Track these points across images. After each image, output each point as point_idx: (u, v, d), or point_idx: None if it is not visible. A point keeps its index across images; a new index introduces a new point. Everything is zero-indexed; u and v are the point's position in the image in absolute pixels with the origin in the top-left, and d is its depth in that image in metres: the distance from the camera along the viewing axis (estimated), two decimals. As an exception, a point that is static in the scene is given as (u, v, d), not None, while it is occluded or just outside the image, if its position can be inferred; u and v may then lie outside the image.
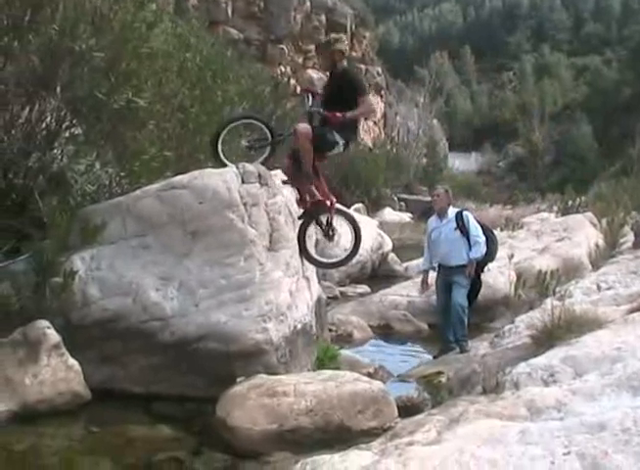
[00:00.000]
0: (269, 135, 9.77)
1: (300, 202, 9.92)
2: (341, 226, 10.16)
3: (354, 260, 17.45)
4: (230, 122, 9.86)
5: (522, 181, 66.30)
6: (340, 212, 10.26)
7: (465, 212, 11.51)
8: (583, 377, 7.32)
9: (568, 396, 6.65)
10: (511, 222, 23.45)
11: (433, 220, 11.79)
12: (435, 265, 11.70)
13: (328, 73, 10.29)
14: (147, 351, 8.07)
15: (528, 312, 10.85)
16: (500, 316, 13.36)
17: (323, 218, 9.97)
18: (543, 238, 18.85)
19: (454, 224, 11.31)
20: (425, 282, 11.84)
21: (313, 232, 10.10)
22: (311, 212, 9.90)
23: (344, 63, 10.04)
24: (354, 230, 10.14)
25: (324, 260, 10.39)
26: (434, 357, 11.22)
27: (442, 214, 11.49)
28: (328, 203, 9.88)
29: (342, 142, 9.70)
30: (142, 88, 9.89)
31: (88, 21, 9.56)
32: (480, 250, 11.24)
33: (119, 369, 8.16)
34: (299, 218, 9.88)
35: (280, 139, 9.92)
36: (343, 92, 9.62)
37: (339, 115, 9.41)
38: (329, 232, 10.05)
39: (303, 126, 9.58)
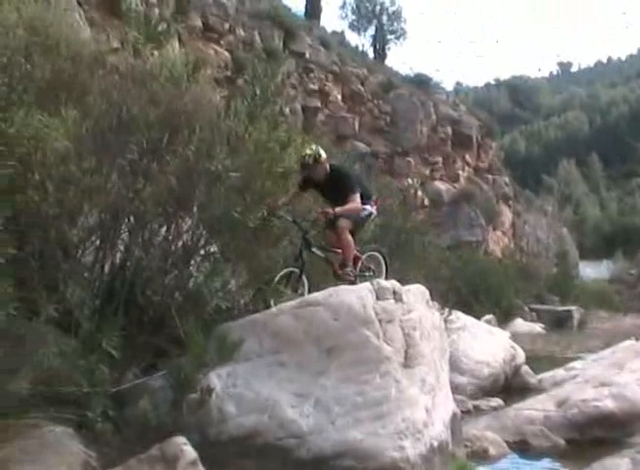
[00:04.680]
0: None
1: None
2: None
3: (487, 373, 17.41)
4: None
5: (656, 289, 64.68)
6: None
7: None
8: None
9: None
10: (647, 333, 22.91)
11: None
12: None
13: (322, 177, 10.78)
14: (283, 468, 8.04)
15: (671, 427, 10.53)
16: (640, 431, 12.97)
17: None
18: (682, 348, 18.33)
19: None
20: None
21: None
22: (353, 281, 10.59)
23: (327, 165, 10.76)
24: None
25: None
26: None
27: None
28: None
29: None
30: (276, 207, 10.11)
31: (224, 142, 9.84)
32: None
33: (255, 487, 8.16)
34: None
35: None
36: (338, 186, 10.59)
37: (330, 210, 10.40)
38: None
39: (345, 221, 10.46)
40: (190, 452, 7.62)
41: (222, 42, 33.78)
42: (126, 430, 8.21)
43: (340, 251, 10.76)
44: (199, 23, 31.89)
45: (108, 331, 8.15)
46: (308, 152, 10.48)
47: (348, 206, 10.46)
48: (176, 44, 18.02)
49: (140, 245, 9.61)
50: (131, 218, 9.49)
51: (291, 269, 10.19)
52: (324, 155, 10.60)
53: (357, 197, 10.61)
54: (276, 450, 8.08)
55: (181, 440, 7.67)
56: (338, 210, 10.30)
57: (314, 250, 10.60)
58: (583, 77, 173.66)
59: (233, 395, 8.38)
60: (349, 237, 10.66)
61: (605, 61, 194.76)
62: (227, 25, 34.37)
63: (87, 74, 9.34)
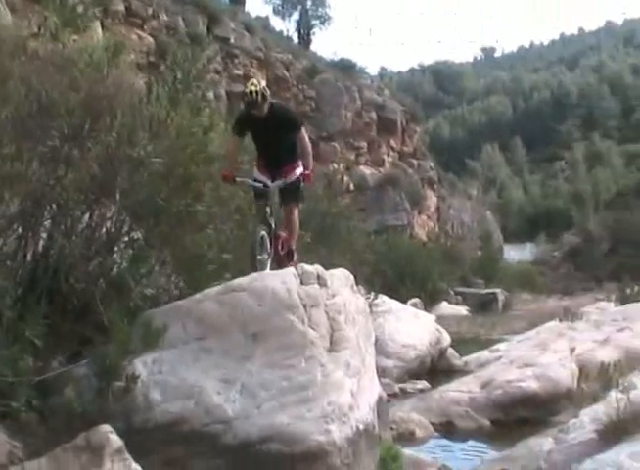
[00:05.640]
0: None
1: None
2: None
3: (413, 356, 17.61)
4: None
5: (578, 270, 65.65)
6: None
7: None
8: (653, 473, 7.20)
9: (638, 493, 6.55)
10: (569, 313, 23.22)
11: None
12: None
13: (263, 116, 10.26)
14: (210, 454, 8.01)
15: (593, 406, 10.69)
16: (563, 410, 13.15)
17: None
18: (603, 328, 18.65)
19: None
20: None
21: None
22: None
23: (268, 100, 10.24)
24: None
25: None
26: None
27: None
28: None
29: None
30: (200, 192, 10.06)
31: (146, 127, 9.77)
32: None
33: (183, 473, 8.13)
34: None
35: None
36: (283, 123, 10.28)
37: (309, 172, 10.36)
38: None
39: (296, 202, 10.53)
40: (116, 440, 7.56)
41: (145, 27, 33.61)
42: (52, 419, 8.12)
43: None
44: (122, 7, 31.69)
45: (31, 320, 8.05)
46: (254, 88, 9.96)
47: (308, 153, 10.50)
48: (99, 29, 17.84)
49: (63, 232, 9.50)
50: (53, 206, 9.37)
51: (263, 233, 10.11)
52: (268, 90, 10.26)
53: (305, 133, 10.52)
54: (203, 436, 8.04)
55: (107, 428, 7.60)
56: (310, 167, 10.43)
57: (272, 221, 10.45)
58: (506, 62, 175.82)
59: (158, 381, 8.33)
60: (297, 219, 10.63)
61: (527, 46, 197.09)
62: (150, 10, 34.21)
63: (7, 60, 9.20)
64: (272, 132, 10.24)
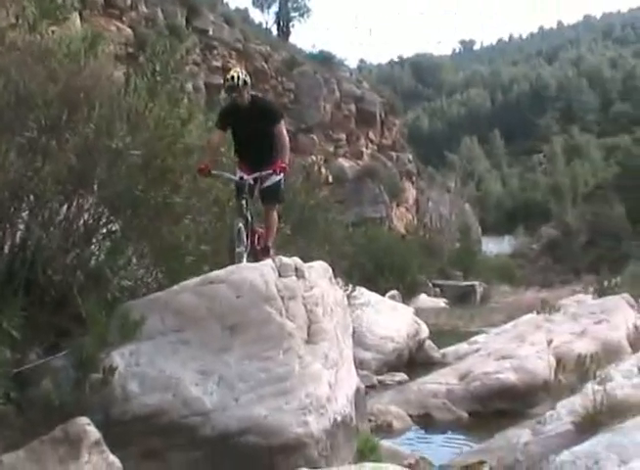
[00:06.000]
0: None
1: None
2: None
3: (391, 348, 17.63)
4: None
5: (556, 263, 65.92)
6: None
7: None
8: (629, 464, 7.22)
9: (614, 484, 6.57)
10: (547, 305, 23.29)
11: None
12: None
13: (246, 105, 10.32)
14: (188, 445, 8.01)
15: (570, 397, 10.74)
16: (541, 402, 13.21)
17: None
18: (581, 321, 18.69)
19: None
20: None
21: None
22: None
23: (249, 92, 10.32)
24: None
25: None
26: None
27: None
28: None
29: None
30: (178, 184, 10.04)
31: (124, 118, 9.74)
32: None
33: (161, 465, 8.09)
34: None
35: None
36: (264, 114, 10.32)
37: (285, 164, 10.20)
38: None
39: (275, 201, 10.65)
40: (93, 433, 7.54)
41: (124, 18, 33.51)
42: (29, 411, 8.10)
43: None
44: (101, -2, 31.58)
45: (8, 311, 8.01)
46: (235, 74, 10.04)
47: (284, 145, 10.33)
48: (77, 20, 17.75)
49: (40, 224, 9.46)
50: (31, 197, 9.33)
51: (240, 226, 10.08)
52: (249, 79, 10.26)
53: (284, 127, 10.47)
54: (181, 428, 8.04)
55: (84, 420, 7.58)
56: (287, 158, 10.32)
57: (249, 214, 10.41)
58: (485, 55, 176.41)
59: (136, 373, 8.30)
60: (276, 216, 10.74)
61: (506, 39, 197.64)
62: (129, 1, 34.09)
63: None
64: (254, 124, 10.21)
